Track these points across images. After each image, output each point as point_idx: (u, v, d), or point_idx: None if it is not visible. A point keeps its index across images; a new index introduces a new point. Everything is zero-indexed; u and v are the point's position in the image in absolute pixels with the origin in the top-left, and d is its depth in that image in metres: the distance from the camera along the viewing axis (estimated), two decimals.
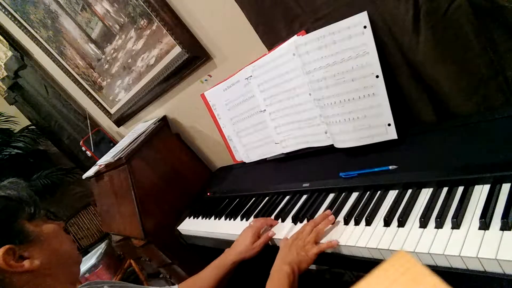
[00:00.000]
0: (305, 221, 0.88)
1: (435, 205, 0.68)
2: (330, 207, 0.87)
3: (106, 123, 2.30)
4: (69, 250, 0.75)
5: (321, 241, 0.79)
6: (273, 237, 0.93)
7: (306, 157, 1.12)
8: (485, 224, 0.57)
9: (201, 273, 0.97)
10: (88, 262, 2.43)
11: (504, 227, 0.55)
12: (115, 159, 1.49)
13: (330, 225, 0.81)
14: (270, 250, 0.93)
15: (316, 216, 0.86)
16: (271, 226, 0.97)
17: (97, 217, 2.83)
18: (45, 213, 0.75)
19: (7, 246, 0.62)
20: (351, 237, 0.74)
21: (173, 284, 0.99)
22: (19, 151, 2.99)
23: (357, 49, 0.85)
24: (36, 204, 0.71)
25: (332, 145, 1.02)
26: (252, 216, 1.08)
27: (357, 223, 0.77)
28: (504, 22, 0.72)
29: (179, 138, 1.75)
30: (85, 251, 2.73)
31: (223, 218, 1.19)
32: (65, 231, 0.78)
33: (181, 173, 1.61)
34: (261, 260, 0.89)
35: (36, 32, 2.01)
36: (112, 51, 1.67)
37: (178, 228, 1.39)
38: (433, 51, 0.80)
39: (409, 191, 0.76)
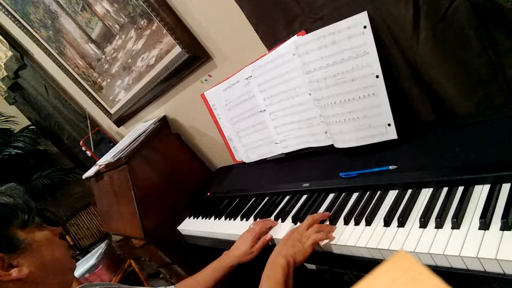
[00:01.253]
0: None
1: (435, 205, 0.68)
2: (330, 207, 0.87)
3: (106, 123, 2.30)
4: (62, 258, 0.74)
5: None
6: (274, 237, 0.93)
7: (306, 157, 1.12)
8: (485, 224, 0.57)
9: (198, 275, 0.97)
10: (88, 262, 2.43)
11: (504, 227, 0.54)
12: (115, 159, 1.49)
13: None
14: (271, 251, 0.93)
15: None
16: (270, 228, 0.96)
17: (97, 217, 2.83)
18: (40, 220, 0.73)
19: None
20: (351, 237, 0.74)
21: (173, 284, 0.99)
22: (19, 151, 3.00)
23: (357, 49, 0.85)
24: (30, 211, 0.70)
25: (332, 145, 1.02)
26: (252, 216, 1.08)
27: (357, 223, 0.77)
28: (504, 22, 0.72)
29: (179, 138, 1.75)
30: (85, 251, 2.73)
31: (223, 218, 1.19)
32: (61, 237, 0.76)
33: (181, 173, 1.61)
34: (262, 260, 0.89)
35: (36, 32, 2.01)
36: (112, 51, 1.67)
37: (178, 228, 1.39)
38: (433, 51, 0.80)
39: (409, 191, 0.76)
